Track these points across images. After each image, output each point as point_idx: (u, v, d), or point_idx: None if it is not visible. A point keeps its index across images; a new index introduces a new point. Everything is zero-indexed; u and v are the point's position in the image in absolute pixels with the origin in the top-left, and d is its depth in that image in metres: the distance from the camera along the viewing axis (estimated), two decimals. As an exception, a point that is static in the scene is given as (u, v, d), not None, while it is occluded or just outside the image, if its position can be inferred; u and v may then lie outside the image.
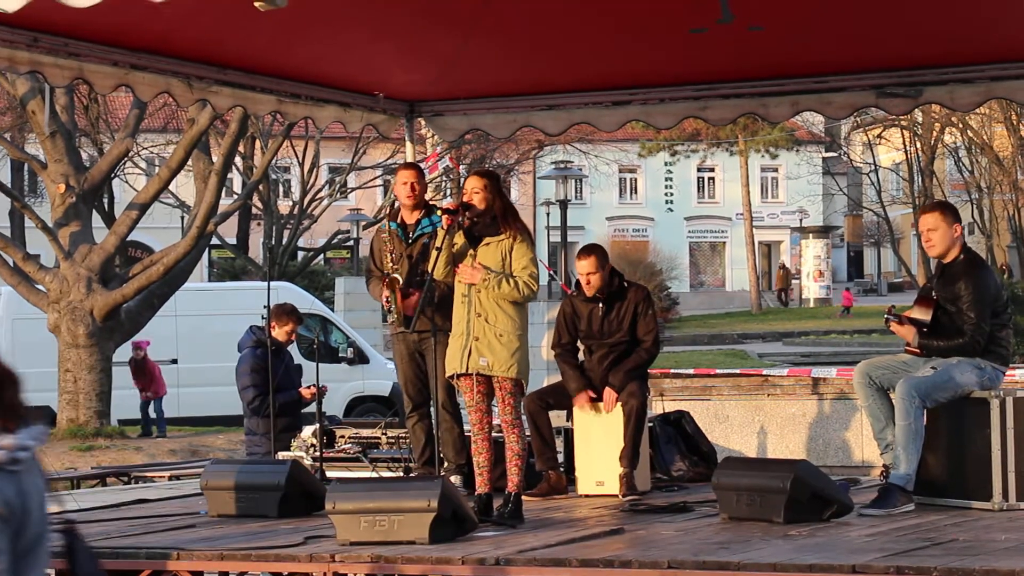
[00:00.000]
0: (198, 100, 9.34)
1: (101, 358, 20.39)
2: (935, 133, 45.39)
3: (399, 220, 9.18)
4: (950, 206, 8.31)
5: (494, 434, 8.18)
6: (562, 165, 35.27)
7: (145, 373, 21.98)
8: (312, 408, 10.35)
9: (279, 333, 10.58)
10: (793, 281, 58.46)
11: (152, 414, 22.04)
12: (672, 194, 62.50)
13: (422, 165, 10.73)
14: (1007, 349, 8.10)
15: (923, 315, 8.10)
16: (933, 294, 8.16)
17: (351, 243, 40.52)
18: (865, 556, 6.33)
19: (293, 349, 11.43)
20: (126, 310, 20.74)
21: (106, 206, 30.48)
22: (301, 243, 39.60)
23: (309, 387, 10.57)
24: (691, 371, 13.31)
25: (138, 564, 7.22)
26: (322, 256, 43.35)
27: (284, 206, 39.95)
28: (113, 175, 26.47)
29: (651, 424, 9.54)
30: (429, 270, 8.12)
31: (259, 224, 39.44)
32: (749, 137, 52.36)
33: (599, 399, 9.11)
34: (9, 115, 32.67)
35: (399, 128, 10.91)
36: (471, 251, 8.04)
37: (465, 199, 8.05)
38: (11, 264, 20.87)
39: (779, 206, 63.22)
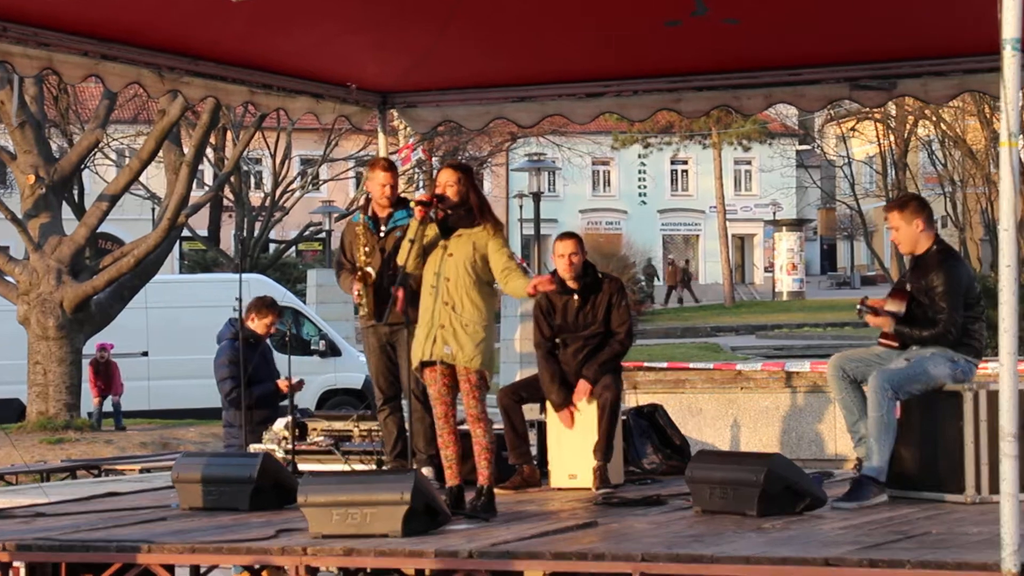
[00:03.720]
0: (169, 91, 9.29)
1: (71, 350, 20.29)
2: (908, 126, 45.48)
3: (371, 213, 9.15)
4: (913, 201, 8.28)
5: (463, 427, 8.16)
6: (535, 157, 35.26)
7: (108, 375, 21.86)
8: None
9: (258, 326, 10.61)
10: (766, 274, 58.61)
11: (109, 407, 21.92)
12: (645, 187, 62.59)
13: (395, 157, 10.70)
14: (980, 342, 8.12)
15: (897, 307, 8.12)
16: (907, 286, 8.17)
17: (323, 235, 40.47)
18: (838, 549, 6.35)
19: (265, 341, 11.38)
20: (96, 302, 20.65)
21: (76, 197, 30.37)
22: (273, 235, 39.49)
23: (287, 379, 10.56)
24: (664, 364, 13.30)
25: (108, 557, 7.18)
26: (294, 248, 43.27)
27: (256, 198, 39.85)
28: (83, 166, 26.34)
29: (624, 417, 9.54)
30: (400, 263, 8.10)
31: (230, 216, 39.33)
32: (723, 130, 52.44)
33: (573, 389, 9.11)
34: (-22, 106, 32.44)
35: (371, 119, 10.88)
36: (443, 242, 8.02)
37: (439, 191, 8.03)
38: (-20, 256, 20.75)
39: (752, 199, 63.37)
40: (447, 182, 8.03)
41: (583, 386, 9.04)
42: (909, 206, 8.17)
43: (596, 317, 9.12)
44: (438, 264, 7.99)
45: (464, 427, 8.17)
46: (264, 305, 10.71)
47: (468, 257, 7.97)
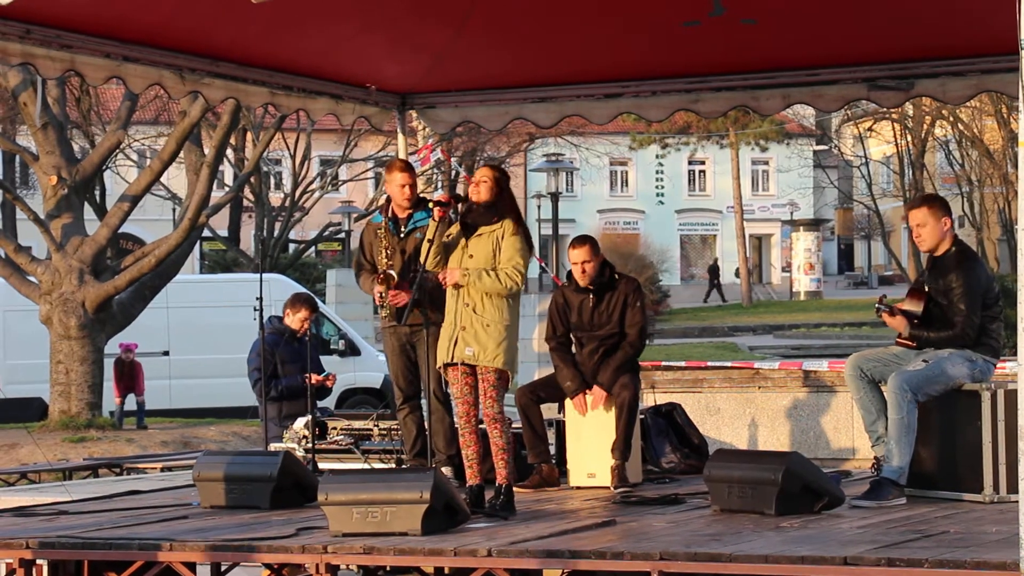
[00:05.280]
0: (190, 92, 9.34)
1: (93, 350, 20.36)
2: (926, 126, 45.32)
3: (391, 214, 9.18)
4: (939, 200, 8.30)
5: (481, 427, 8.20)
6: (553, 158, 35.27)
7: (132, 375, 21.92)
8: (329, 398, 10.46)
9: (293, 321, 10.81)
10: (783, 274, 58.51)
11: (132, 406, 21.99)
12: (663, 187, 62.53)
13: (414, 157, 10.75)
14: (998, 342, 8.13)
15: (914, 307, 8.12)
16: (925, 287, 8.18)
17: (342, 235, 40.54)
18: (856, 548, 6.36)
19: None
20: (118, 302, 20.72)
21: (98, 198, 30.43)
22: (292, 235, 39.53)
23: (325, 375, 10.68)
24: (682, 363, 13.31)
25: (130, 555, 7.22)
26: (313, 248, 43.32)
27: (276, 198, 39.89)
28: (105, 167, 26.42)
29: (642, 416, 9.56)
30: (421, 262, 8.15)
31: (250, 216, 39.39)
32: (740, 130, 52.36)
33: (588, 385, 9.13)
34: (1, 107, 32.61)
35: (391, 120, 10.91)
36: (464, 242, 8.05)
37: (472, 186, 8.08)
38: (3, 255, 20.87)
39: (770, 199, 63.26)
40: (481, 177, 8.09)
41: (599, 393, 9.07)
42: (936, 203, 8.18)
43: (612, 317, 9.14)
44: (459, 265, 8.03)
45: (482, 427, 8.21)
46: (298, 300, 10.95)
47: (488, 257, 8.00)
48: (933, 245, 8.13)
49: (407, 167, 9.25)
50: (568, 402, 9.22)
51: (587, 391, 9.10)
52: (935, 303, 8.09)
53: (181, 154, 21.62)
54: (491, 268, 7.98)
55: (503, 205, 8.08)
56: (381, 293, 8.97)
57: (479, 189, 8.05)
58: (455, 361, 8.00)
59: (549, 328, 9.29)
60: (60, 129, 21.25)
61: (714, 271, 57.67)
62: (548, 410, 9.42)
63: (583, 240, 9.23)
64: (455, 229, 8.09)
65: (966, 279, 7.97)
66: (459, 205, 8.10)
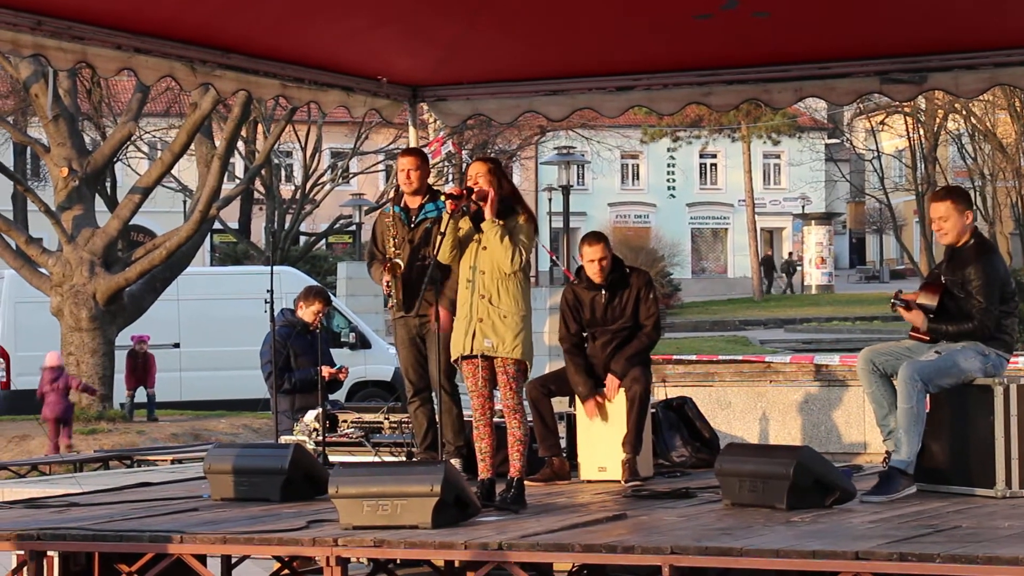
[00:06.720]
0: (201, 84, 9.33)
1: (104, 342, 20.40)
2: (938, 120, 45.23)
3: (402, 204, 9.19)
4: (962, 193, 8.26)
5: (496, 419, 8.19)
6: (564, 151, 35.25)
7: (145, 367, 21.94)
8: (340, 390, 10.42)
9: (306, 313, 10.79)
10: (797, 268, 58.55)
11: (142, 398, 22.03)
12: (674, 180, 62.45)
13: (425, 150, 10.73)
14: (1012, 336, 8.10)
15: (929, 300, 8.09)
16: (941, 278, 8.14)
17: (353, 228, 40.56)
18: (868, 543, 6.34)
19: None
20: (129, 294, 20.76)
21: (109, 190, 30.50)
22: (303, 228, 39.59)
23: (337, 368, 10.68)
24: (693, 357, 13.31)
25: (141, 547, 7.23)
26: (324, 241, 43.36)
27: (286, 191, 39.93)
28: (116, 159, 26.48)
29: (653, 410, 9.55)
30: (433, 254, 8.15)
31: (261, 209, 39.45)
32: (752, 123, 52.30)
33: (602, 386, 9.12)
34: (12, 98, 32.66)
35: (402, 113, 10.90)
36: (477, 236, 8.06)
37: (469, 184, 8.08)
38: (14, 247, 20.91)
39: (781, 192, 63.17)
40: (478, 173, 8.08)
41: (612, 381, 9.06)
42: (960, 197, 8.13)
43: (625, 311, 9.13)
44: (473, 258, 8.03)
45: (498, 420, 8.19)
46: (311, 293, 10.92)
47: (499, 247, 7.99)
48: (955, 239, 8.06)
49: (409, 152, 9.27)
50: (577, 395, 9.21)
51: (600, 396, 9.10)
52: (950, 295, 8.05)
53: (192, 146, 21.64)
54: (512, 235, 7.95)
55: (508, 195, 8.08)
56: (388, 282, 8.97)
57: (479, 185, 8.04)
58: (473, 354, 7.99)
59: (562, 327, 9.27)
60: (71, 121, 21.28)
61: (789, 267, 57.73)
62: (559, 404, 9.42)
63: (598, 237, 9.21)
64: (467, 223, 8.08)
65: (985, 271, 7.93)
66: (472, 197, 8.09)
